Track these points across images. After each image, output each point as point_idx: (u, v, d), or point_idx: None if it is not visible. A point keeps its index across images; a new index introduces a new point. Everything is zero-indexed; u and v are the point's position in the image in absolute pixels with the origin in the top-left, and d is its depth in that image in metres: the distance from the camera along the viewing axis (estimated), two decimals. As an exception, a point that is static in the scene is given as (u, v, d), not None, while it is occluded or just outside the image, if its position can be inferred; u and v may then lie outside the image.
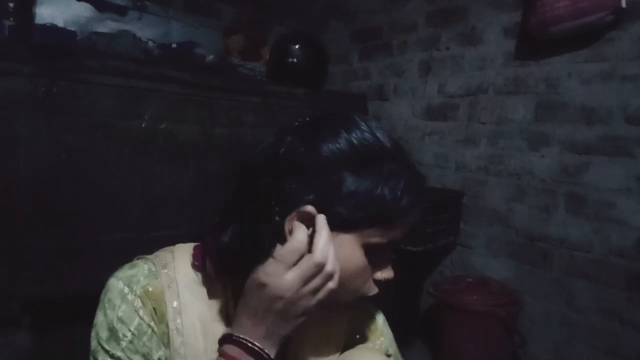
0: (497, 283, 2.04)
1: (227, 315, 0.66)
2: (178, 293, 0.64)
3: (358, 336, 0.76)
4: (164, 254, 0.69)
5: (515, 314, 1.93)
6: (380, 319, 0.79)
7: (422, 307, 2.33)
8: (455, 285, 2.03)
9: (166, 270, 0.65)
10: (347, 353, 0.72)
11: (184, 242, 0.72)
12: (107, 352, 0.61)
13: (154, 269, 0.65)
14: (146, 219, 1.69)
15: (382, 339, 0.77)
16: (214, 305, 0.65)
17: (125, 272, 0.65)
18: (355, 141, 0.60)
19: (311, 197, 0.58)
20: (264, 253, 0.57)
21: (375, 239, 0.61)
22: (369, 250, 0.61)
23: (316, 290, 0.57)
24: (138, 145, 1.69)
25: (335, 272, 0.57)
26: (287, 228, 0.58)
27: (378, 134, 0.62)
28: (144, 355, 0.61)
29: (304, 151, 0.59)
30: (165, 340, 0.63)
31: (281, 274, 0.55)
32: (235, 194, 0.64)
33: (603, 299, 1.79)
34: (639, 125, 1.69)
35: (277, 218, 0.58)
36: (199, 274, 0.66)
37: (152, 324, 0.62)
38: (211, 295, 0.66)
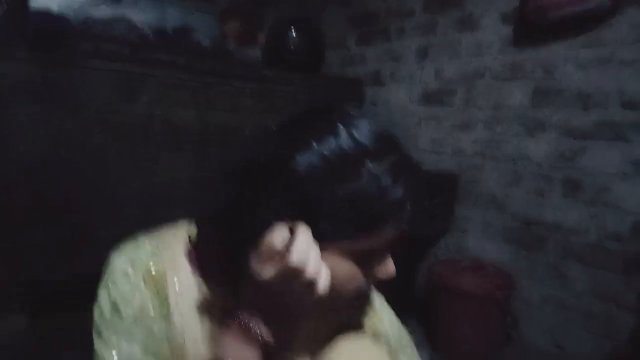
0: (493, 267, 2.06)
1: (225, 302, 0.66)
2: (179, 275, 0.65)
3: (353, 318, 0.77)
4: (167, 235, 0.69)
5: (510, 297, 1.96)
6: (376, 300, 0.80)
7: (417, 290, 2.35)
8: (451, 268, 2.04)
9: (169, 253, 0.66)
10: (339, 339, 0.72)
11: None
12: (110, 327, 0.62)
13: (157, 251, 0.66)
14: (145, 213, 1.69)
15: (375, 320, 0.78)
16: (212, 290, 0.66)
17: (128, 252, 0.65)
18: (327, 152, 0.56)
19: (291, 214, 0.56)
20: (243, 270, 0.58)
21: (364, 246, 0.60)
22: (363, 255, 0.61)
23: (301, 294, 0.55)
24: (134, 132, 1.68)
25: (318, 279, 0.55)
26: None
27: (356, 135, 0.58)
28: (147, 330, 0.62)
29: (281, 168, 0.57)
30: (168, 319, 0.64)
31: (260, 265, 0.55)
32: (221, 203, 0.63)
33: (599, 283, 1.81)
34: (636, 110, 1.69)
35: (258, 233, 0.56)
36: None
37: (156, 302, 0.63)
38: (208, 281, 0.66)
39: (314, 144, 0.57)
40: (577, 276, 1.88)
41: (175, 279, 0.65)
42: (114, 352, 0.61)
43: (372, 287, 0.81)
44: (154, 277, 0.64)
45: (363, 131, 0.58)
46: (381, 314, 0.80)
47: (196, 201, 1.76)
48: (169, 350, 0.64)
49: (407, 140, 2.50)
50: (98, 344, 0.63)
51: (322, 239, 0.56)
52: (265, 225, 0.55)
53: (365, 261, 0.62)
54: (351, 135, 0.57)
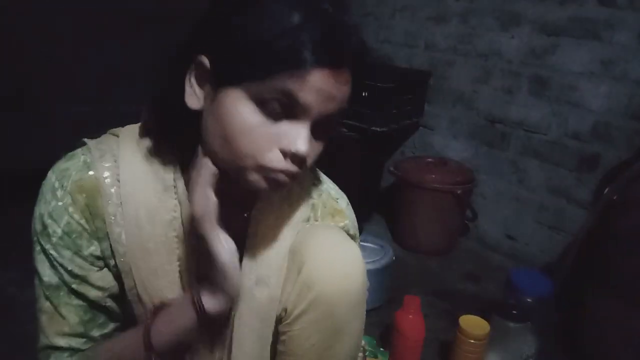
0: (456, 163, 2.11)
1: (177, 199, 0.65)
2: (118, 182, 0.63)
3: (321, 215, 0.77)
4: (107, 140, 0.66)
5: (470, 191, 2.04)
6: (343, 202, 0.80)
7: (382, 185, 2.42)
8: (416, 164, 2.09)
9: (103, 162, 0.63)
10: (307, 228, 0.74)
11: (134, 124, 0.69)
12: (41, 244, 0.62)
13: (88, 160, 0.63)
14: (103, 90, 1.62)
15: (346, 221, 0.79)
16: (162, 190, 0.64)
17: (60, 165, 0.63)
18: None
19: (205, 46, 0.57)
20: (175, 112, 0.60)
21: (269, 93, 0.54)
22: (265, 105, 0.55)
23: None
24: (87, 12, 1.56)
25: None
26: (186, 82, 0.59)
27: None
28: (75, 251, 0.62)
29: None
30: (101, 235, 0.63)
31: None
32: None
33: (553, 178, 1.90)
34: (611, 7, 1.66)
35: (179, 70, 0.59)
36: (147, 155, 0.65)
37: (83, 221, 0.62)
38: (159, 178, 0.65)
39: None
40: (533, 171, 1.96)
41: (112, 186, 0.63)
42: (46, 267, 0.62)
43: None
44: (84, 189, 0.62)
45: None
46: (351, 216, 0.81)
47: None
48: (104, 266, 0.65)
49: (380, 32, 2.41)
50: (35, 259, 0.64)
51: (226, 80, 0.56)
52: (188, 59, 0.58)
53: (271, 117, 0.56)
54: None
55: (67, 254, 0.62)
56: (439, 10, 2.18)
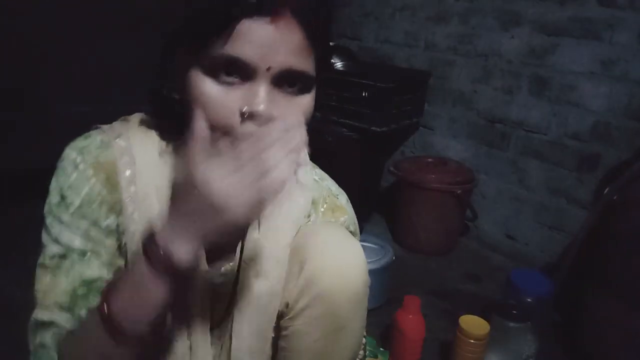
0: (456, 163, 2.12)
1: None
2: (133, 161, 0.64)
3: (322, 211, 0.78)
4: (119, 124, 0.68)
5: (470, 191, 2.04)
6: (343, 199, 0.81)
7: (382, 185, 2.42)
8: (416, 164, 2.09)
9: (119, 140, 0.65)
10: (309, 226, 0.74)
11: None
12: (55, 215, 0.62)
13: (106, 140, 0.64)
14: (103, 90, 1.61)
15: (346, 217, 0.80)
16: (169, 170, 0.66)
17: (78, 143, 0.64)
18: None
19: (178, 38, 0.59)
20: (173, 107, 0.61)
21: (212, 61, 0.54)
22: (214, 71, 0.55)
23: None
24: (87, 10, 1.55)
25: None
26: (177, 80, 0.60)
27: None
28: (92, 222, 0.62)
29: None
30: (118, 208, 0.64)
31: None
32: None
33: (553, 178, 1.90)
34: (611, 7, 1.66)
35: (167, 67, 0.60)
36: (155, 137, 0.67)
37: (104, 191, 0.62)
38: (166, 160, 0.66)
39: None
40: (533, 172, 1.96)
41: (127, 165, 0.64)
42: (55, 240, 0.62)
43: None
44: (103, 165, 0.63)
45: None
46: (351, 212, 0.82)
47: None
48: (116, 244, 0.64)
49: (380, 32, 2.41)
50: (44, 235, 0.63)
51: (186, 51, 0.57)
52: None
53: (224, 84, 0.55)
54: None
55: (84, 224, 0.62)
56: (439, 10, 2.18)
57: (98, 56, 1.62)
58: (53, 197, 0.62)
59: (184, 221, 0.51)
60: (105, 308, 0.53)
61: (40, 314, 0.62)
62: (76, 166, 0.62)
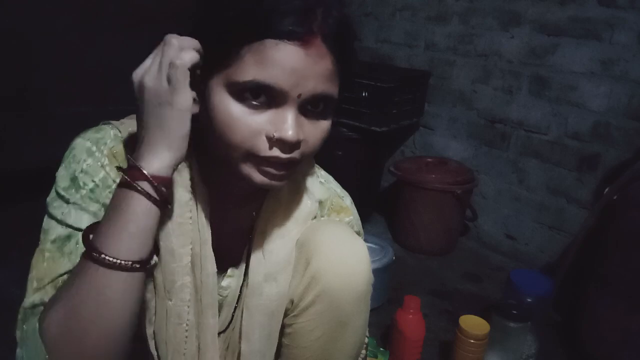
0: (456, 163, 2.11)
1: (192, 180, 0.66)
2: None
3: (327, 212, 0.79)
4: (129, 120, 0.66)
5: (470, 191, 2.04)
6: (347, 200, 0.82)
7: (382, 185, 2.42)
8: (416, 164, 2.09)
9: (131, 136, 0.63)
10: (314, 223, 0.75)
11: None
12: (62, 198, 0.59)
13: (119, 134, 0.63)
14: (103, 90, 1.61)
15: (351, 217, 0.80)
16: (179, 170, 0.64)
17: (91, 134, 0.62)
18: None
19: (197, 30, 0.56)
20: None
21: (237, 77, 0.53)
22: (243, 96, 0.54)
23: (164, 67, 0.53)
24: (87, 10, 1.55)
25: (179, 48, 0.52)
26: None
27: None
28: (104, 205, 0.60)
29: None
30: None
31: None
32: None
33: (553, 178, 1.90)
34: (611, 7, 1.65)
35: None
36: None
37: (118, 179, 0.59)
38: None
39: None
40: (533, 171, 1.96)
41: None
42: (60, 221, 0.59)
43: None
44: (118, 156, 0.61)
45: None
46: (355, 213, 0.82)
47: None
48: None
49: (380, 32, 2.41)
50: (46, 222, 0.60)
51: (209, 68, 0.55)
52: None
53: (252, 107, 0.55)
54: None
55: (94, 207, 0.60)
56: (439, 10, 2.18)
57: (98, 56, 1.62)
58: (61, 182, 0.60)
59: (145, 141, 0.54)
60: (90, 237, 0.54)
61: (32, 298, 0.57)
62: (91, 154, 0.60)
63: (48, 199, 0.61)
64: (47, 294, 0.57)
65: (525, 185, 1.99)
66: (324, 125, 0.60)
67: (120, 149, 0.62)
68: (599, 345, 1.38)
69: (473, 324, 1.28)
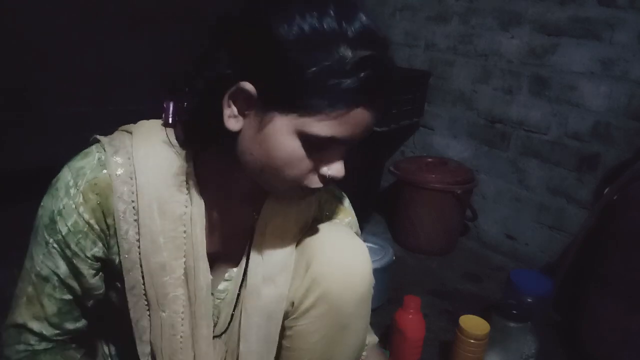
0: (456, 163, 2.11)
1: (189, 194, 0.66)
2: (131, 179, 0.63)
3: (327, 214, 0.79)
4: (120, 136, 0.66)
5: (470, 191, 2.04)
6: (346, 202, 0.82)
7: (382, 185, 2.42)
8: (416, 164, 2.09)
9: (117, 158, 0.63)
10: (314, 225, 0.75)
11: (146, 120, 0.69)
12: (43, 236, 0.63)
13: (103, 158, 0.63)
14: (103, 90, 1.61)
15: (349, 218, 0.81)
16: (174, 183, 0.65)
17: (75, 163, 0.64)
18: (306, 27, 0.54)
19: (251, 73, 0.56)
20: (210, 129, 0.60)
21: (314, 129, 0.56)
22: (311, 142, 0.58)
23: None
24: (87, 10, 1.55)
25: None
26: (224, 103, 0.58)
27: (344, 22, 0.56)
28: (77, 250, 0.63)
29: (254, 26, 0.56)
30: (112, 232, 0.64)
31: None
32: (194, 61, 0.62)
33: (553, 178, 1.90)
34: (611, 7, 1.65)
35: (216, 91, 0.58)
36: (161, 150, 0.65)
37: (92, 221, 0.63)
38: (172, 172, 0.65)
39: (297, 13, 0.54)
40: (533, 172, 1.96)
41: (125, 183, 0.63)
42: (41, 262, 0.63)
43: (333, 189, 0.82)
44: (97, 189, 0.62)
45: (351, 19, 0.57)
46: (353, 214, 0.83)
47: (159, 91, 1.68)
48: (100, 274, 0.67)
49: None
50: (33, 245, 0.64)
51: (274, 106, 0.56)
52: (229, 83, 0.57)
53: (314, 150, 0.59)
54: (338, 19, 0.55)
55: (69, 252, 0.63)
56: (439, 10, 2.18)
57: (98, 56, 1.61)
58: (45, 217, 0.63)
59: None
60: None
61: (28, 321, 0.65)
62: (68, 191, 0.62)
63: (35, 225, 0.64)
64: (27, 325, 0.65)
65: (525, 185, 1.99)
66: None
67: (101, 176, 0.62)
68: (599, 345, 1.38)
69: (473, 324, 1.28)
